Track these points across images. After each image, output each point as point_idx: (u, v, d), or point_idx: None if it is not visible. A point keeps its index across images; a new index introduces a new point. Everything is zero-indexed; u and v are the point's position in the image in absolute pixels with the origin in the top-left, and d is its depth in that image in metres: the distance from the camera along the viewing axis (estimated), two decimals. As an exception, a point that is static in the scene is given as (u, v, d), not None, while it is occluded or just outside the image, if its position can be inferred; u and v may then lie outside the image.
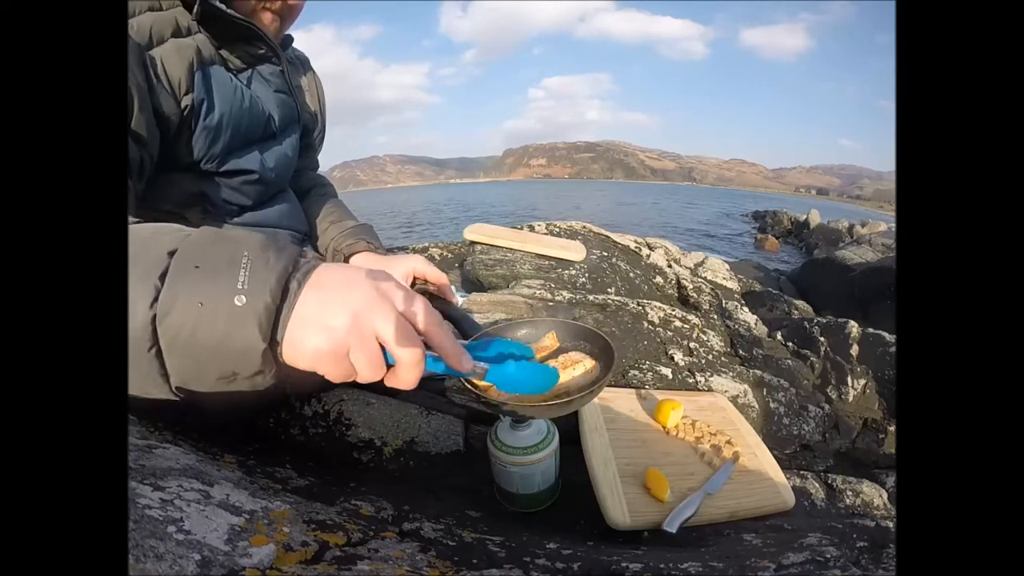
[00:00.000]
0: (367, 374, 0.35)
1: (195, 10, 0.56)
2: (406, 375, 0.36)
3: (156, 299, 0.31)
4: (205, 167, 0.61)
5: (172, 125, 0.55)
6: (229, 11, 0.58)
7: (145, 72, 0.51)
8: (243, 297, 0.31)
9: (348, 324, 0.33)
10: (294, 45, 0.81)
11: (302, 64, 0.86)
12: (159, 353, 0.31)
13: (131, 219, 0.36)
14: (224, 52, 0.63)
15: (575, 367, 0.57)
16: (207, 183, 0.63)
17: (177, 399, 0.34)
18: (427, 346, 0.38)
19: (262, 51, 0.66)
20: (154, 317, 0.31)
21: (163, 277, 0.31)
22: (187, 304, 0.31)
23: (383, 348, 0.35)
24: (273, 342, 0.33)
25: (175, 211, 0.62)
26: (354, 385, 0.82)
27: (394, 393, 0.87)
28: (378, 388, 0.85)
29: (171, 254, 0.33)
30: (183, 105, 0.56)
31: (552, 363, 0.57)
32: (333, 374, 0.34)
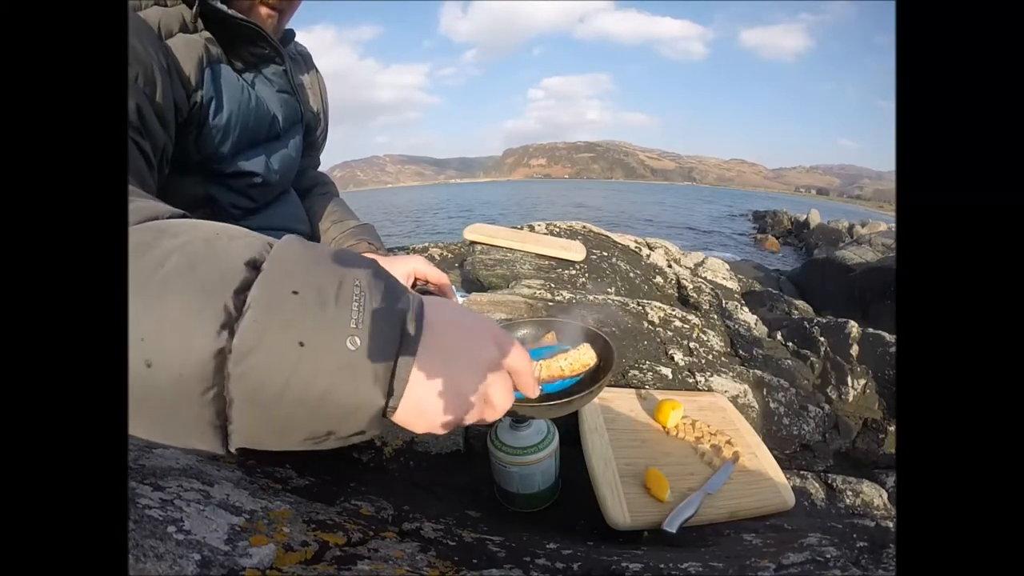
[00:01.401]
0: (468, 423, 0.31)
1: (194, 9, 0.55)
2: (493, 419, 0.34)
3: (227, 326, 0.23)
4: (212, 167, 0.61)
5: (181, 117, 0.55)
6: (230, 11, 0.58)
7: (166, 56, 0.50)
8: (357, 340, 0.24)
9: (477, 392, 0.29)
10: (295, 41, 0.81)
11: (304, 60, 0.85)
12: (220, 400, 0.24)
13: (163, 206, 0.31)
14: (227, 53, 0.63)
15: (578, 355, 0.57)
16: (213, 185, 0.63)
17: (226, 455, 0.27)
18: None
19: (265, 51, 0.66)
20: (221, 351, 0.23)
21: (239, 295, 0.24)
22: (282, 344, 0.23)
23: None
24: (389, 397, 0.26)
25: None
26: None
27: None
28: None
29: (251, 265, 0.25)
30: (193, 101, 0.56)
31: (560, 373, 0.57)
32: (438, 431, 0.29)
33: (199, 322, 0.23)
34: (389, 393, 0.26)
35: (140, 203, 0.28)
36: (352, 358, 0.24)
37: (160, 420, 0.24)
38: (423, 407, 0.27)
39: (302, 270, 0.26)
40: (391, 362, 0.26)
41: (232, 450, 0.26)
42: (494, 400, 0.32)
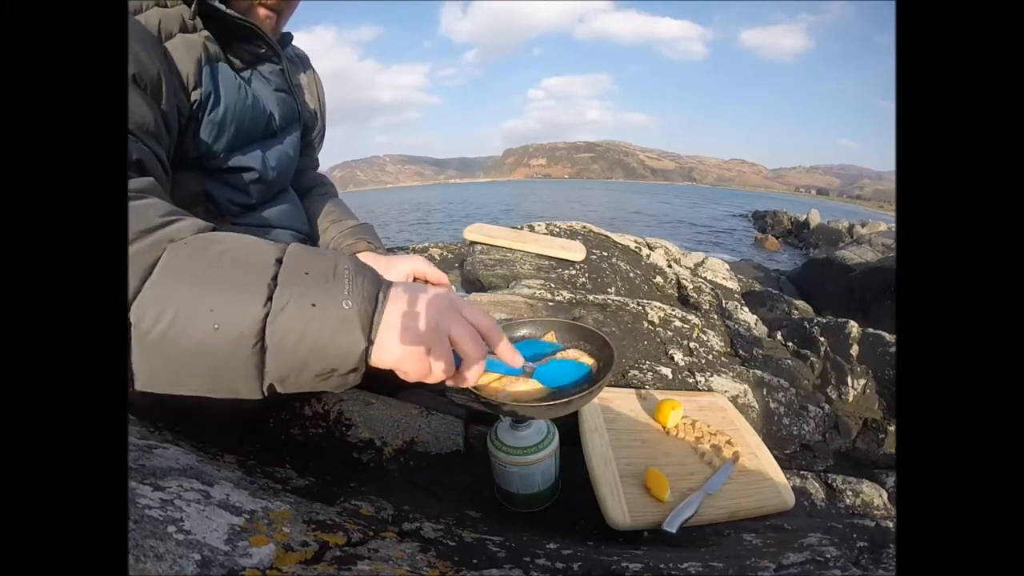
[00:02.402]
0: (440, 372, 0.40)
1: (192, 8, 0.56)
2: (472, 372, 0.42)
3: (269, 298, 0.34)
4: (208, 164, 0.61)
5: (183, 119, 0.55)
6: (229, 11, 0.58)
7: (167, 63, 0.51)
8: (349, 302, 0.36)
9: (427, 328, 0.38)
10: (293, 44, 0.81)
11: (301, 62, 0.85)
12: (262, 350, 0.34)
13: (200, 222, 0.39)
14: (225, 52, 0.63)
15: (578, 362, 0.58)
16: (210, 181, 0.63)
17: (260, 395, 0.36)
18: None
19: (262, 50, 0.66)
20: (266, 315, 0.34)
21: (274, 280, 0.35)
22: (300, 306, 0.35)
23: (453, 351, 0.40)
24: (368, 343, 0.37)
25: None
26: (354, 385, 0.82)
27: (393, 393, 0.87)
28: (378, 388, 0.85)
29: (277, 261, 0.37)
30: (192, 99, 0.56)
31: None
32: (413, 372, 0.39)
33: (251, 296, 0.34)
34: (370, 339, 0.37)
35: (188, 221, 0.38)
36: (347, 314, 0.36)
37: (215, 372, 0.35)
38: (386, 345, 0.38)
39: (308, 259, 0.38)
40: (370, 318, 0.37)
41: (264, 389, 0.36)
42: (459, 342, 0.40)
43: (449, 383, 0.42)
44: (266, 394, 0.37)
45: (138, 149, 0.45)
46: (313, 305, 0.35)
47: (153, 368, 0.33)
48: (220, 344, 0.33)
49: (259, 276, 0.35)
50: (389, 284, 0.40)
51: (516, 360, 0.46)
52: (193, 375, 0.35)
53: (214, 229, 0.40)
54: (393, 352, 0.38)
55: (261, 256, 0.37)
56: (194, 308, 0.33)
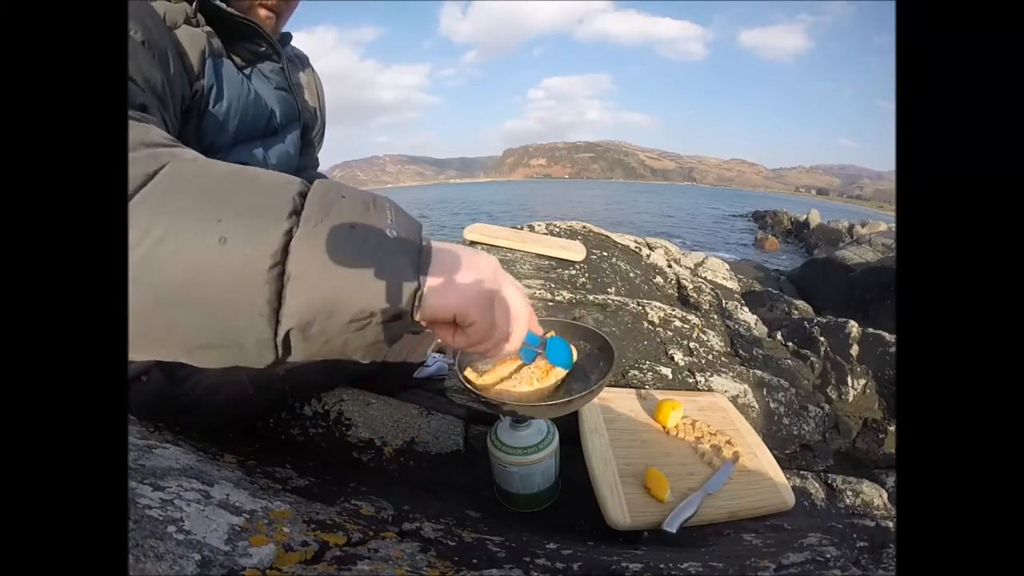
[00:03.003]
0: (505, 324, 0.37)
1: (193, 6, 0.56)
2: (521, 332, 0.39)
3: (296, 213, 0.28)
4: (211, 158, 0.62)
5: (184, 104, 0.55)
6: (229, 9, 0.59)
7: (175, 45, 0.52)
8: (394, 231, 0.30)
9: (490, 276, 0.35)
10: (292, 43, 0.81)
11: (301, 62, 0.86)
12: (280, 279, 0.26)
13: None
14: (226, 49, 0.63)
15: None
16: None
17: (272, 354, 0.29)
18: None
19: (263, 49, 0.67)
20: (289, 231, 0.27)
21: (301, 196, 0.29)
22: (337, 227, 0.28)
23: None
24: (419, 284, 0.31)
25: None
26: (354, 385, 0.82)
27: (393, 393, 0.87)
28: (378, 388, 0.85)
29: (304, 187, 0.30)
30: (195, 88, 0.56)
31: (536, 365, 0.57)
32: (481, 321, 0.34)
33: (272, 210, 0.27)
34: (420, 278, 0.31)
35: (194, 151, 0.32)
36: (393, 242, 0.30)
37: (214, 310, 0.26)
38: (449, 283, 0.33)
39: (344, 188, 0.32)
40: (417, 254, 0.31)
41: (279, 342, 0.28)
42: (511, 299, 0.37)
43: (493, 351, 0.38)
44: (279, 350, 0.28)
45: (145, 98, 0.43)
46: (352, 227, 0.28)
47: (131, 308, 0.25)
48: (226, 265, 0.25)
49: (283, 191, 0.29)
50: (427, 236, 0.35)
51: (539, 328, 0.47)
52: (183, 314, 0.26)
53: None
54: (458, 295, 0.33)
55: (281, 177, 0.30)
56: (194, 219, 0.26)
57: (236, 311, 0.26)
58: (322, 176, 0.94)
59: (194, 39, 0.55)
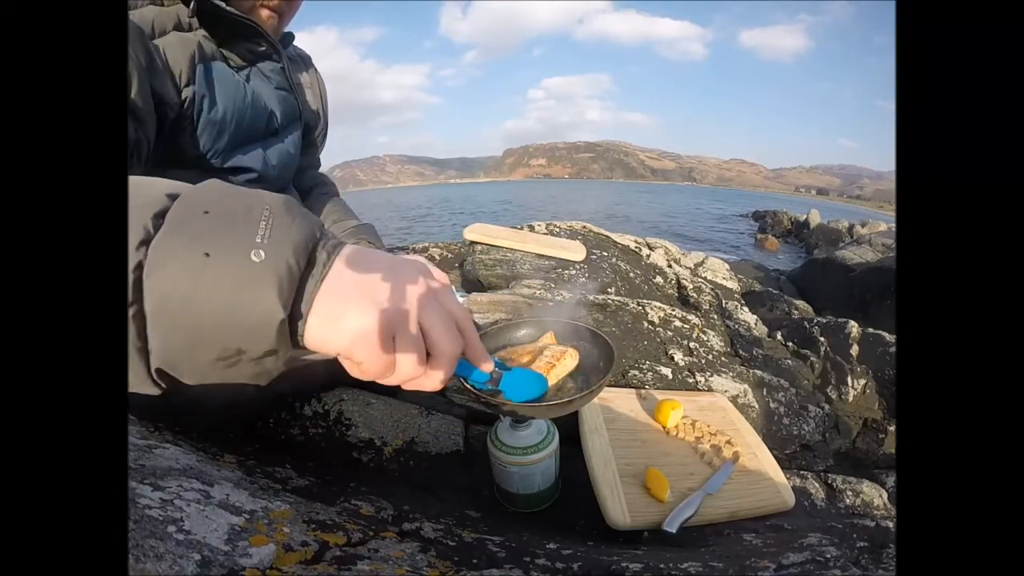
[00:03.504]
0: (407, 366, 0.30)
1: (191, 7, 0.56)
2: (441, 373, 0.32)
3: (146, 243, 0.25)
4: (210, 162, 0.62)
5: (171, 112, 0.55)
6: (229, 9, 0.59)
7: (147, 55, 0.51)
8: (261, 252, 0.25)
9: (395, 303, 0.28)
10: (295, 44, 0.81)
11: (303, 61, 0.86)
12: (140, 317, 0.24)
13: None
14: (224, 50, 0.63)
15: (560, 364, 0.58)
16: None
17: (156, 388, 0.27)
18: None
19: (262, 48, 0.67)
20: (140, 265, 0.24)
21: (158, 218, 0.25)
22: (188, 254, 0.25)
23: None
24: (294, 316, 0.27)
25: None
26: (354, 384, 0.82)
27: (394, 393, 0.87)
28: (378, 388, 0.85)
29: (171, 197, 0.27)
30: (184, 96, 0.56)
31: (535, 365, 0.57)
32: (369, 364, 0.28)
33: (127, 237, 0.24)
34: (296, 313, 0.27)
35: None
36: (255, 269, 0.25)
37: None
38: (335, 318, 0.27)
39: (217, 196, 0.28)
40: (296, 279, 0.26)
41: (154, 375, 0.26)
42: (432, 331, 0.30)
43: (407, 386, 0.32)
44: (158, 382, 0.27)
45: None
46: (206, 255, 0.25)
47: None
48: None
49: (138, 212, 0.25)
50: (339, 242, 0.30)
51: (487, 364, 0.38)
52: None
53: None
54: (345, 331, 0.27)
55: (151, 189, 0.27)
56: None
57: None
58: (323, 177, 0.94)
59: (183, 45, 0.55)
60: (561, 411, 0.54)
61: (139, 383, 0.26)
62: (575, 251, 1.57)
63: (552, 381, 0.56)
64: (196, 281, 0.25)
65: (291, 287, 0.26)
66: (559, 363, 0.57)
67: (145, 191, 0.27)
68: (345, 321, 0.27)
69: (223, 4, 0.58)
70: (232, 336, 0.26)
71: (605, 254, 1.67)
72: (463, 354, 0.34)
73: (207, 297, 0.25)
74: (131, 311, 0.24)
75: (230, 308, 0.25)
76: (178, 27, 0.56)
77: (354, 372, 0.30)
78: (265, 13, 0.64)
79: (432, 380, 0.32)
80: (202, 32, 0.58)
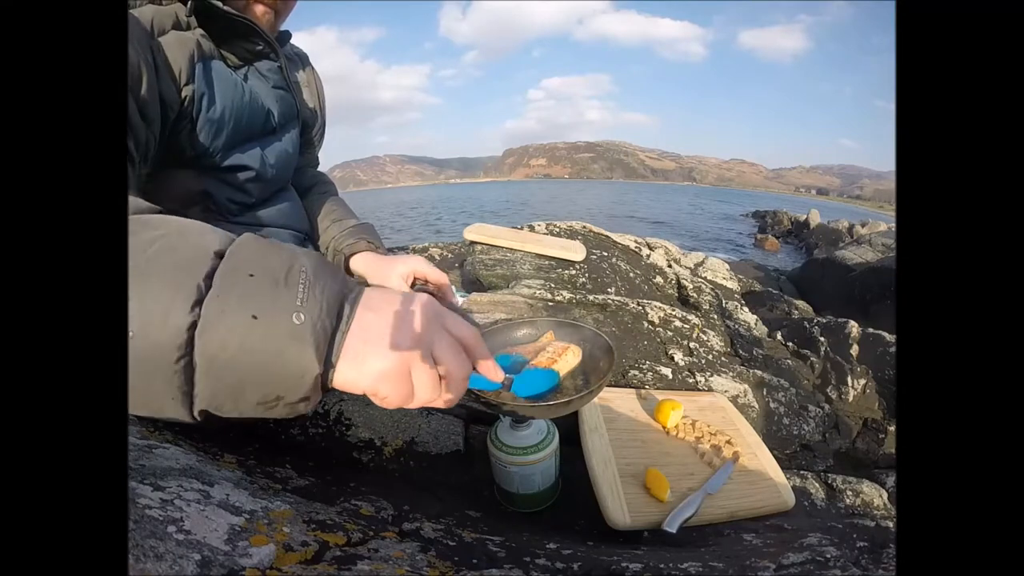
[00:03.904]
0: (425, 393, 0.34)
1: (189, 6, 0.56)
2: (454, 394, 0.36)
3: (199, 303, 0.27)
4: (207, 162, 0.61)
5: (172, 113, 0.55)
6: (225, 8, 0.58)
7: (152, 54, 0.51)
8: (302, 315, 0.29)
9: (409, 344, 0.33)
10: (292, 43, 0.81)
11: (300, 60, 0.85)
12: (189, 368, 0.28)
13: (144, 203, 0.33)
14: (222, 49, 0.63)
15: (562, 359, 0.58)
16: (209, 180, 0.63)
17: (194, 421, 0.30)
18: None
19: (260, 47, 0.66)
20: (193, 324, 0.27)
21: (209, 279, 0.28)
22: (238, 316, 0.28)
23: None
24: (326, 367, 0.31)
25: (177, 209, 0.62)
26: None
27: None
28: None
29: (219, 255, 0.30)
30: (183, 95, 0.56)
31: (538, 362, 0.58)
32: (393, 396, 0.33)
33: (177, 299, 0.27)
34: (327, 363, 0.31)
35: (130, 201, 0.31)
36: (297, 330, 0.29)
37: (137, 388, 0.27)
38: (360, 363, 0.31)
39: (258, 257, 0.31)
40: (329, 335, 0.30)
41: (196, 415, 0.30)
42: (444, 359, 0.34)
43: (430, 404, 0.36)
44: (198, 419, 0.30)
45: None
46: (254, 317, 0.28)
47: None
48: (139, 354, 0.26)
49: (190, 272, 0.28)
50: (360, 291, 0.34)
51: (498, 375, 0.41)
52: None
53: (160, 211, 0.34)
54: (366, 374, 0.32)
55: (199, 247, 0.30)
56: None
57: (153, 392, 0.28)
58: (322, 176, 0.94)
59: (183, 44, 0.55)
60: (561, 411, 0.54)
61: (179, 416, 0.29)
62: (575, 251, 1.57)
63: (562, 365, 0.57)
64: (244, 340, 0.28)
65: (325, 343, 0.30)
66: (561, 358, 0.58)
67: (192, 245, 0.30)
68: (368, 364, 0.31)
69: (219, 3, 0.58)
70: (274, 387, 0.30)
71: (605, 254, 1.68)
72: (475, 369, 0.38)
73: (253, 355, 0.28)
74: (181, 362, 0.27)
75: (274, 364, 0.29)
76: (176, 26, 0.56)
77: (377, 403, 0.34)
78: (260, 9, 0.64)
79: (450, 399, 0.36)
80: (200, 31, 0.58)
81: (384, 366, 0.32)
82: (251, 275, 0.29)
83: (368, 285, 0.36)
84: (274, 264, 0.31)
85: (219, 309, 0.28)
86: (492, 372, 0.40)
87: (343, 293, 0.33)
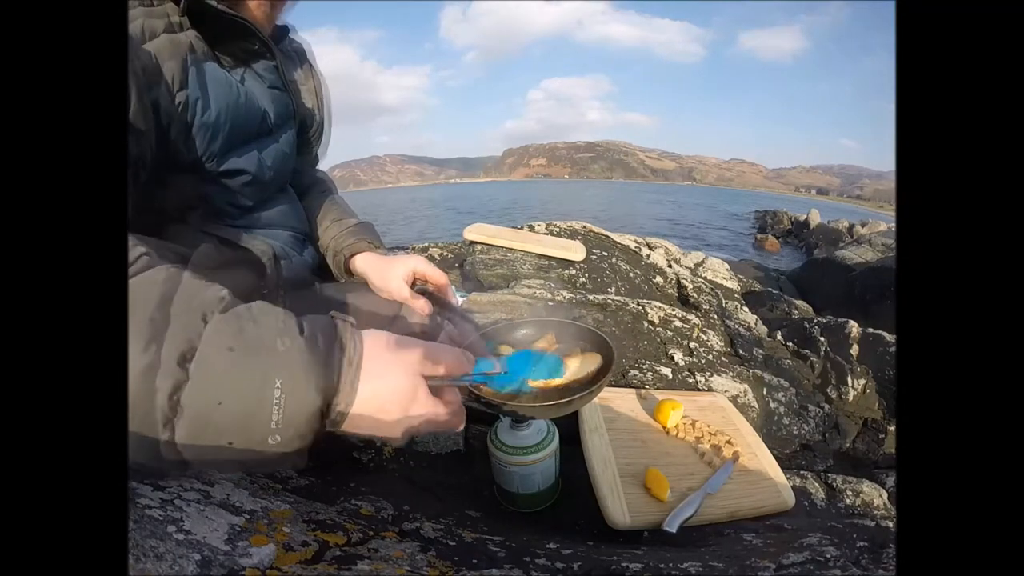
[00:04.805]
0: (426, 432, 0.39)
1: (181, 6, 0.55)
2: (454, 426, 0.40)
3: (170, 426, 0.28)
4: (204, 167, 0.61)
5: (166, 119, 0.54)
6: (220, 7, 0.57)
7: (142, 64, 0.50)
8: (278, 436, 0.32)
9: (402, 422, 0.37)
10: (292, 36, 0.79)
11: (299, 57, 0.84)
12: (170, 428, 0.28)
13: (148, 246, 0.33)
14: (217, 50, 0.62)
15: (576, 360, 0.58)
16: (207, 185, 0.63)
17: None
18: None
19: (255, 47, 0.65)
20: (178, 400, 0.28)
21: (172, 397, 0.29)
22: (214, 441, 0.30)
23: None
24: (324, 417, 0.34)
25: (175, 214, 0.61)
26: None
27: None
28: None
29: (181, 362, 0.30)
30: (177, 101, 0.55)
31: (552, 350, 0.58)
32: (392, 436, 0.37)
33: (157, 368, 0.28)
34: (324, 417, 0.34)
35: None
36: (271, 448, 0.32)
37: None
38: (358, 423, 0.36)
39: (228, 379, 0.30)
40: (307, 444, 0.34)
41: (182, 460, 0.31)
42: (427, 426, 0.38)
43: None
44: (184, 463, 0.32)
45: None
46: (230, 444, 0.31)
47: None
48: (134, 392, 0.27)
49: (186, 329, 0.30)
50: (347, 407, 0.36)
51: (466, 368, 0.44)
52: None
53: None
54: (363, 427, 0.36)
55: (198, 309, 0.31)
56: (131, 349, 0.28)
57: (143, 447, 0.28)
58: (322, 175, 0.93)
59: (175, 47, 0.54)
60: (561, 411, 0.54)
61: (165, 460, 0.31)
62: (575, 251, 1.57)
63: (569, 368, 0.57)
64: (220, 458, 0.31)
65: (302, 456, 0.34)
66: (581, 357, 0.58)
67: (194, 302, 0.31)
68: (364, 425, 0.36)
69: (213, 3, 0.57)
70: (265, 455, 0.33)
71: (605, 254, 1.67)
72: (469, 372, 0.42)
73: (234, 468, 0.34)
74: (167, 428, 0.28)
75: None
76: (168, 28, 0.54)
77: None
78: (254, 3, 0.63)
79: (451, 427, 0.40)
80: (193, 32, 0.57)
81: (380, 421, 0.36)
82: (219, 404, 0.30)
83: (359, 326, 0.38)
84: (244, 386, 0.31)
85: (194, 437, 0.29)
86: (468, 368, 0.43)
87: (322, 406, 0.34)
